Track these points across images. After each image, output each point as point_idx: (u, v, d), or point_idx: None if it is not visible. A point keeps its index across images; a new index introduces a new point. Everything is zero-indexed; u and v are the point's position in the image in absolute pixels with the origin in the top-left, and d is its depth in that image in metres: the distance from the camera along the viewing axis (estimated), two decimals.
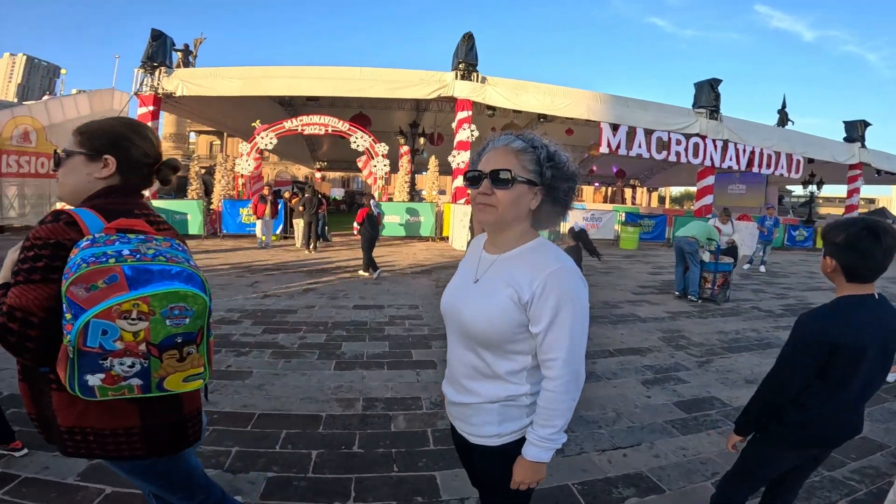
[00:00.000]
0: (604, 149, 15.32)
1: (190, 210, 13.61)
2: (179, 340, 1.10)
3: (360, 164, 15.26)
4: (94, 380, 1.06)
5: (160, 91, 14.00)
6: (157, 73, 13.96)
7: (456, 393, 1.34)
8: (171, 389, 1.14)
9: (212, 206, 14.65)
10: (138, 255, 1.07)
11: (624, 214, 16.41)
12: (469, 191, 1.26)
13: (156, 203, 13.93)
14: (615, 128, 15.29)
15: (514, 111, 16.34)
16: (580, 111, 15.41)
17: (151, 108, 14.14)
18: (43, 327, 1.07)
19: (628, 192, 36.22)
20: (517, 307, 1.18)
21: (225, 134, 35.92)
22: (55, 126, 20.52)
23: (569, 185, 1.23)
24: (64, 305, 1.04)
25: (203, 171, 16.70)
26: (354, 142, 14.60)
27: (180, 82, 13.99)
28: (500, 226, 1.24)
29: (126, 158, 1.29)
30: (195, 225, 13.42)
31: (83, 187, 1.28)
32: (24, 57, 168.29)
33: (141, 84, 14.07)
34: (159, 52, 14.00)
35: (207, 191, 16.40)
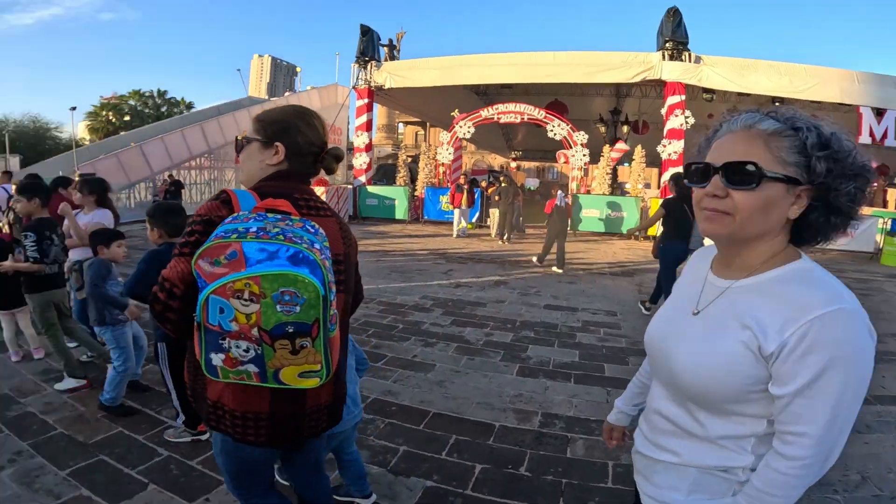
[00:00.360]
0: (864, 138, 12.02)
1: (397, 196, 15.13)
2: (291, 330, 1.01)
3: (559, 156, 14.73)
4: (216, 359, 1.06)
5: (372, 84, 15.73)
6: (368, 67, 15.68)
7: (647, 443, 1.03)
8: (287, 383, 1.08)
9: (416, 193, 16.05)
10: (261, 233, 1.02)
11: (890, 221, 11.94)
12: (693, 190, 0.91)
13: (370, 188, 15.93)
14: (880, 113, 12.03)
15: (739, 94, 13.81)
16: (831, 93, 12.37)
17: (366, 100, 16.00)
18: (184, 300, 1.10)
19: (892, 192, 26.83)
20: (755, 358, 0.83)
21: (427, 124, 39.20)
22: None
23: (856, 185, 0.84)
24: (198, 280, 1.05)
25: (409, 159, 18.50)
26: (551, 130, 14.12)
27: (388, 75, 15.45)
28: (739, 241, 0.89)
29: (293, 146, 1.32)
30: (401, 210, 14.86)
31: (257, 173, 1.33)
32: (270, 58, 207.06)
33: (357, 78, 16.00)
34: (369, 47, 15.41)
35: (413, 178, 18.03)
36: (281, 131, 1.32)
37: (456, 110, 15.05)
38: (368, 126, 16.47)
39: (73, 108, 24.60)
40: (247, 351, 1.03)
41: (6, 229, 5.47)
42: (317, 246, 1.07)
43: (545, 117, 14.18)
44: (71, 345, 3.71)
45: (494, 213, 11.97)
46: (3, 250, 3.57)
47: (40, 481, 2.33)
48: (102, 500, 2.19)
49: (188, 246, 1.13)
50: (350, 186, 16.27)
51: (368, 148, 16.52)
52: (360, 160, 16.36)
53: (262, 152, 1.32)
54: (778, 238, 0.88)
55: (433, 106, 18.85)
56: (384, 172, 26.27)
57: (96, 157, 16.65)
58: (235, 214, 1.11)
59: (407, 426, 2.91)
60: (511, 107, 14.39)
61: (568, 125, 14.02)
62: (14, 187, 6.37)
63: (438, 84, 14.96)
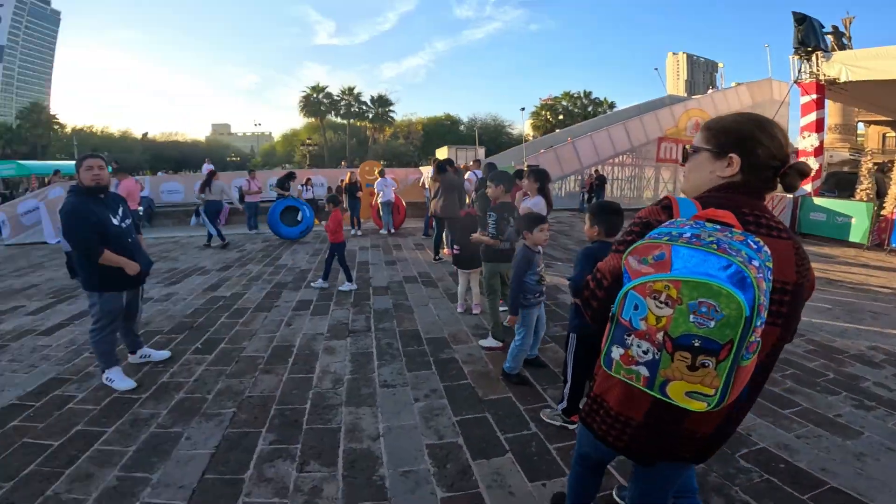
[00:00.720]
0: None
1: (856, 213, 11.83)
2: (696, 344, 0.95)
3: None
4: (615, 353, 1.08)
5: (821, 77, 12.70)
6: (813, 58, 12.69)
7: None
8: (671, 398, 1.02)
9: (883, 212, 12.10)
10: (693, 240, 0.98)
11: None
12: None
13: (817, 200, 13.08)
14: None
15: None
16: None
17: (815, 96, 13.10)
18: (609, 291, 1.18)
19: None
20: None
21: None
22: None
23: None
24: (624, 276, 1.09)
25: (875, 167, 13.83)
26: None
27: (842, 66, 12.18)
28: None
29: (750, 158, 1.19)
30: (859, 232, 11.58)
31: (705, 184, 1.25)
32: (685, 55, 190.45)
33: (799, 72, 13.24)
34: (810, 36, 12.62)
35: (880, 192, 13.60)
36: (737, 142, 1.21)
37: None
38: (819, 126, 13.53)
39: (522, 109, 31.79)
40: (645, 352, 1.02)
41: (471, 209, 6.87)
42: (755, 263, 0.96)
43: None
44: (502, 309, 4.41)
45: None
46: (471, 225, 4.72)
47: (436, 420, 2.95)
48: (467, 452, 2.62)
49: (624, 244, 1.17)
50: (790, 196, 13.86)
51: (818, 152, 13.62)
52: None
53: (713, 163, 1.23)
54: None
55: None
56: (837, 181, 20.84)
57: (538, 151, 20.50)
58: (673, 220, 1.09)
59: (787, 489, 2.38)
60: None
61: None
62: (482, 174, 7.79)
63: None
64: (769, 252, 1.01)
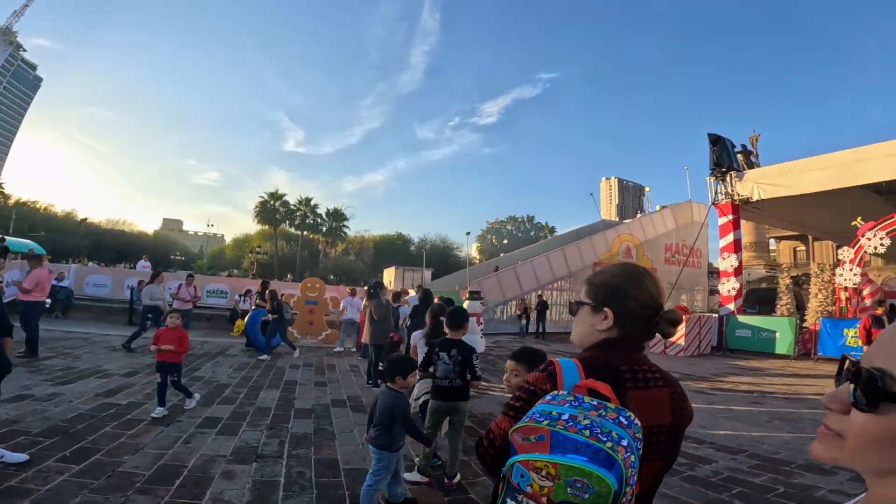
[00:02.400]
0: None
1: (779, 327, 12.54)
2: None
3: None
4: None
5: (736, 198, 14.01)
6: (727, 178, 14.05)
7: None
8: None
9: (805, 324, 12.92)
10: (570, 423, 1.11)
11: None
12: None
13: (741, 318, 13.79)
14: None
15: None
16: None
17: (731, 216, 14.21)
18: (500, 451, 1.29)
19: None
20: None
21: (810, 238, 31.75)
22: (649, 241, 24.91)
23: None
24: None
25: (791, 282, 15.10)
26: None
27: (754, 185, 13.59)
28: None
29: (622, 310, 1.30)
30: (784, 344, 12.16)
31: (587, 336, 1.36)
32: (616, 180, 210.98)
33: (715, 193, 14.51)
34: (724, 157, 13.92)
35: (799, 305, 14.67)
36: (610, 295, 1.33)
37: (859, 218, 11.82)
38: (737, 246, 14.77)
39: (468, 234, 33.23)
40: None
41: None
42: (623, 443, 1.10)
43: None
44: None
45: None
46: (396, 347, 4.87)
47: None
48: None
49: (513, 410, 1.29)
50: (716, 315, 14.58)
51: (738, 272, 14.66)
52: (728, 286, 14.56)
53: (593, 316, 1.35)
54: None
55: (818, 215, 15.55)
56: (757, 298, 22.51)
57: (483, 275, 21.07)
58: (555, 393, 1.21)
59: None
60: None
61: None
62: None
63: (828, 188, 12.33)
64: (639, 424, 1.16)
